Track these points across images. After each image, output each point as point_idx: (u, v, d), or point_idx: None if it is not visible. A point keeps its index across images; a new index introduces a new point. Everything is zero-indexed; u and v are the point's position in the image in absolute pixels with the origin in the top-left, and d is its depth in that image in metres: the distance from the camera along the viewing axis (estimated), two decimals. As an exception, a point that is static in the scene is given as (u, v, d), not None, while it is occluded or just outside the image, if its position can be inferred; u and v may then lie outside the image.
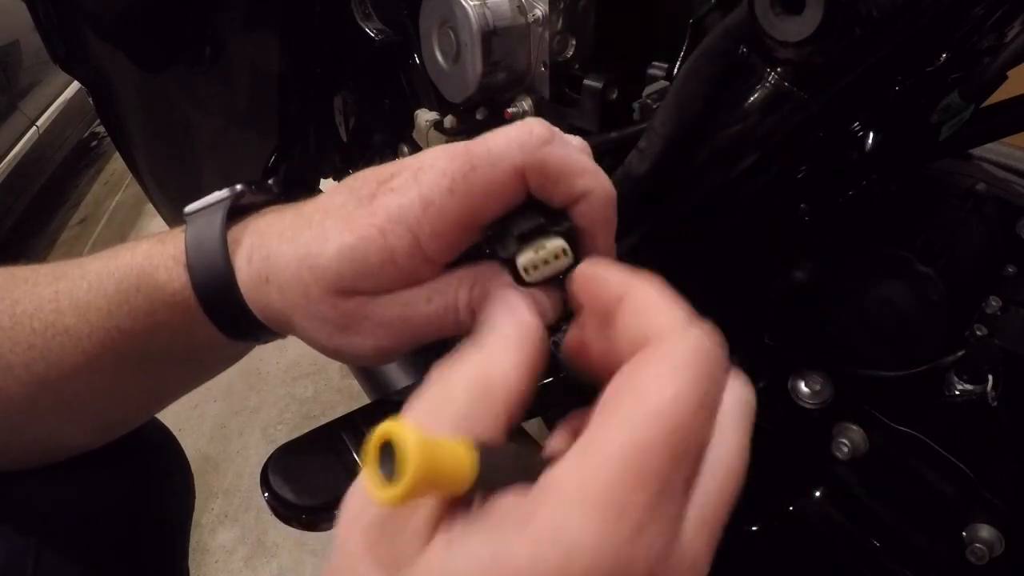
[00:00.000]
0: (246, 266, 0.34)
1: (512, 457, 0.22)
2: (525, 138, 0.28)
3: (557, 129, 0.29)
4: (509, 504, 0.21)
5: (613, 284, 0.26)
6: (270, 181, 0.38)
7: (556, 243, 0.29)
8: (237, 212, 0.36)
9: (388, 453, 0.18)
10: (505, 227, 0.30)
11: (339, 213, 0.32)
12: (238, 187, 0.37)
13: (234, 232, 0.35)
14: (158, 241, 0.36)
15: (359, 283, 0.31)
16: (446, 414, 0.23)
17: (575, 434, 0.23)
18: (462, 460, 0.19)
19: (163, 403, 0.44)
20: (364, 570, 0.21)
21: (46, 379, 0.36)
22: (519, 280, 0.30)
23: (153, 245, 0.36)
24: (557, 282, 0.30)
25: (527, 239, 0.29)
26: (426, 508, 0.22)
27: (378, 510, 0.22)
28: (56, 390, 0.37)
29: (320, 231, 0.32)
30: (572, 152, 0.29)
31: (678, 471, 0.21)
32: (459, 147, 0.29)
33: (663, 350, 0.22)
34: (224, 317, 0.35)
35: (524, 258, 0.29)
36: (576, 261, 0.29)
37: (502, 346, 0.26)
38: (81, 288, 0.36)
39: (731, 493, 0.23)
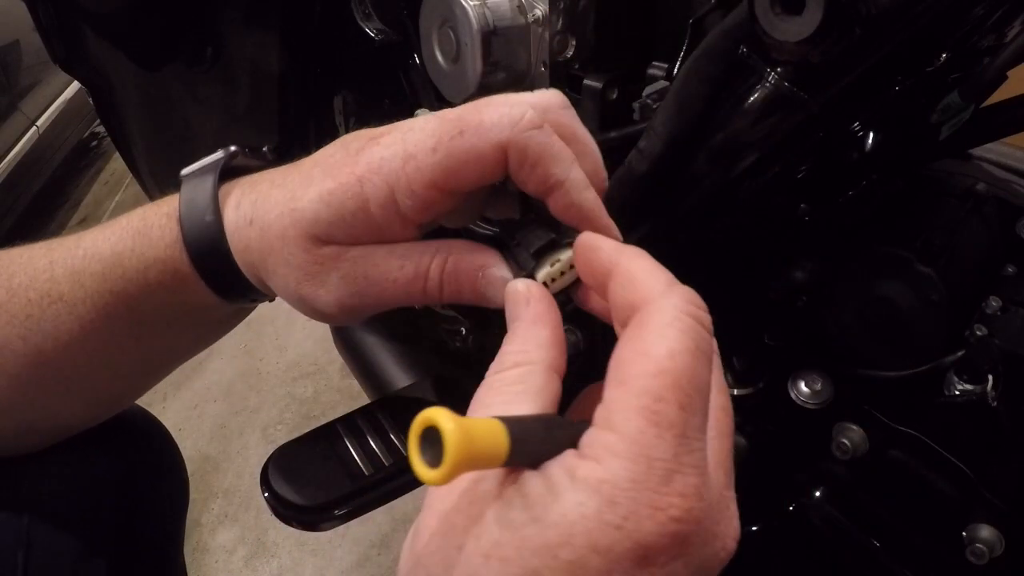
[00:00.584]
0: (234, 213, 0.35)
1: (542, 429, 0.24)
2: (517, 118, 0.29)
3: (555, 114, 0.31)
4: (553, 469, 0.23)
5: (604, 256, 0.28)
6: (265, 148, 0.39)
7: (569, 254, 0.30)
8: (232, 173, 0.37)
9: (429, 438, 0.20)
10: (520, 245, 0.31)
11: (327, 163, 0.33)
12: (232, 148, 0.38)
13: (226, 187, 0.36)
14: (154, 204, 0.37)
15: (333, 230, 0.32)
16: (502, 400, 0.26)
17: (592, 405, 0.27)
18: (496, 437, 0.21)
19: (157, 374, 0.44)
20: (437, 547, 0.24)
21: (43, 351, 0.37)
22: None
23: (149, 207, 0.37)
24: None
25: (542, 254, 0.31)
26: (487, 483, 0.24)
27: (451, 498, 0.25)
28: (53, 363, 0.38)
29: (306, 178, 0.33)
30: (555, 140, 0.30)
31: (690, 419, 0.23)
32: (453, 112, 0.31)
33: (650, 314, 0.25)
34: (212, 271, 0.35)
35: (542, 273, 0.30)
36: None
37: (528, 334, 0.28)
38: (76, 255, 0.37)
39: (730, 429, 0.27)
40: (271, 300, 0.39)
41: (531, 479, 0.23)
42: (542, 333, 0.28)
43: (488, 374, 0.27)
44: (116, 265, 0.36)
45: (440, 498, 0.25)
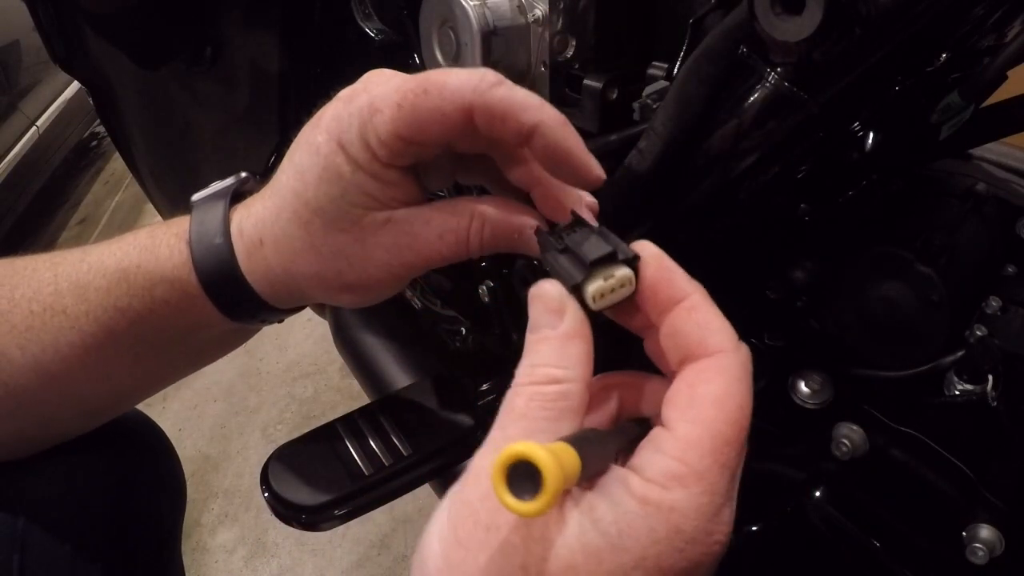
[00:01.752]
0: (240, 239, 0.35)
1: (592, 443, 0.26)
2: (476, 82, 0.30)
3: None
4: (616, 492, 0.25)
5: (678, 283, 0.29)
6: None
7: (624, 272, 0.29)
8: (242, 198, 0.37)
9: (517, 471, 0.21)
10: (569, 250, 0.30)
11: (297, 145, 0.33)
12: (243, 174, 0.39)
13: (231, 212, 0.36)
14: (163, 224, 0.38)
15: (350, 199, 0.32)
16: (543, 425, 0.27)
17: (598, 400, 0.32)
18: (573, 460, 0.23)
19: (155, 388, 0.44)
20: (487, 565, 0.24)
21: (41, 362, 0.37)
22: (580, 302, 0.29)
23: (157, 227, 0.37)
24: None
25: (597, 265, 0.29)
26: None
27: (502, 517, 0.25)
28: (51, 374, 0.37)
29: (293, 170, 0.33)
30: (517, 92, 0.31)
31: (740, 462, 0.27)
32: (417, 74, 0.32)
33: (727, 366, 0.27)
34: (221, 292, 0.36)
35: (594, 286, 0.28)
36: (635, 291, 0.29)
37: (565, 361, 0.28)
38: (81, 270, 0.37)
39: None
40: (280, 321, 0.40)
41: (598, 504, 0.25)
42: (581, 349, 0.28)
43: (522, 382, 0.28)
44: (122, 280, 0.36)
45: (489, 513, 0.25)
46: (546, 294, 0.29)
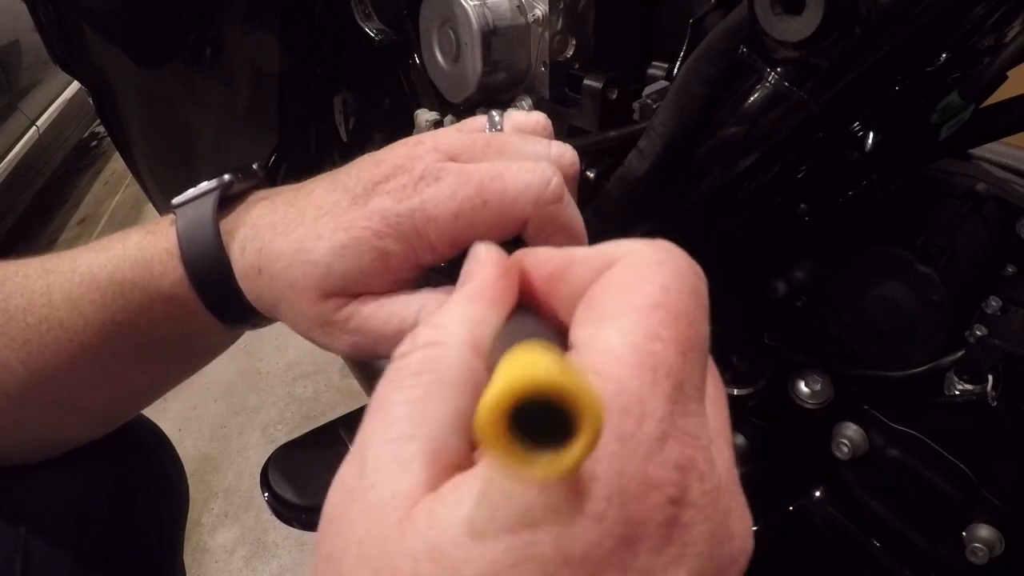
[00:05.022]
0: (240, 257, 0.34)
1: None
2: (540, 191, 0.29)
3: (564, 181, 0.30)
4: None
5: (550, 257, 0.24)
6: (255, 165, 0.38)
7: None
8: (225, 200, 0.36)
9: (527, 414, 0.14)
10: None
11: (333, 211, 0.32)
12: (226, 177, 0.37)
13: (226, 223, 0.35)
14: (148, 232, 0.36)
15: (348, 282, 0.31)
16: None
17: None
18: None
19: (160, 393, 0.44)
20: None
21: (43, 374, 0.37)
22: None
23: (144, 237, 0.36)
24: None
25: None
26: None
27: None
28: (54, 385, 0.37)
29: (313, 227, 0.32)
30: (573, 217, 0.30)
31: (690, 372, 0.18)
32: (472, 173, 0.30)
33: (634, 258, 0.21)
34: (222, 307, 0.35)
35: None
36: None
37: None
38: (73, 281, 0.36)
39: (725, 404, 0.21)
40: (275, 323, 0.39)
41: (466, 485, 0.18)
42: (474, 308, 0.22)
43: (393, 356, 0.22)
44: (118, 295, 0.35)
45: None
46: (471, 254, 0.26)
